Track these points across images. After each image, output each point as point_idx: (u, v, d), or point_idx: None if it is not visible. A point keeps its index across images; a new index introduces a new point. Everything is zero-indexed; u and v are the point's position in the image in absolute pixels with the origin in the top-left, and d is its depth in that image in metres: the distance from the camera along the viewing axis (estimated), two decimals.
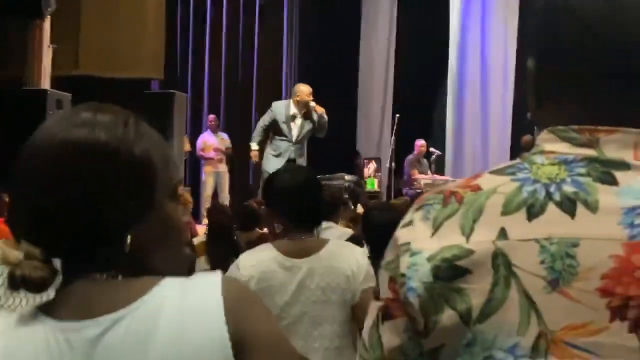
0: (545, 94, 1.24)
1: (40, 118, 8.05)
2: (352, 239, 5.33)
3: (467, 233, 1.14)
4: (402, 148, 13.32)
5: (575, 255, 1.09)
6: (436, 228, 1.17)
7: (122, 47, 11.09)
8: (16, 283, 1.30)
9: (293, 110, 10.36)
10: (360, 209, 9.29)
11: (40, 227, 1.33)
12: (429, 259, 1.15)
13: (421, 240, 1.17)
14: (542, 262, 1.10)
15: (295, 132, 10.35)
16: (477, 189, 1.18)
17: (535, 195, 1.14)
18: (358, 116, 15.28)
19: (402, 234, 1.21)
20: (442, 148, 14.53)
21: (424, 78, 15.00)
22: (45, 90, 8.48)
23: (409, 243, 1.18)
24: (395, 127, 13.08)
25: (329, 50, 14.91)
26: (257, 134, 10.59)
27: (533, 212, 1.13)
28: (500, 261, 1.11)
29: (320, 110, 10.41)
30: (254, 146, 10.55)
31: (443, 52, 14.97)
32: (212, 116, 13.60)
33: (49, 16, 8.88)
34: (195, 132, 13.89)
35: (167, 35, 12.22)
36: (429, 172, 13.72)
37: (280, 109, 10.41)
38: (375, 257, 4.46)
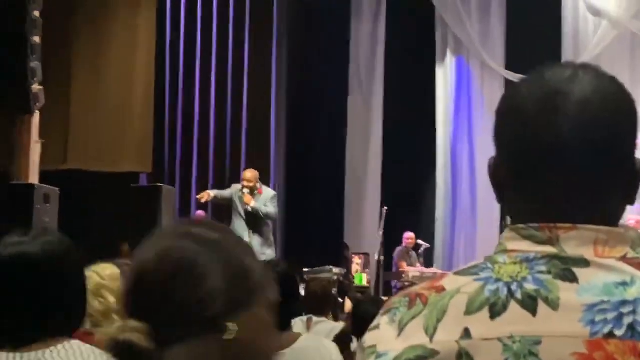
0: (505, 190, 1.26)
1: (27, 212, 8.07)
2: (342, 334, 5.30)
3: (431, 333, 1.15)
4: (391, 241, 13.29)
5: (538, 353, 1.10)
6: (401, 329, 1.18)
7: (110, 142, 11.16)
8: (119, 349, 1.36)
9: (241, 192, 10.67)
10: (348, 302, 9.25)
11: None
12: None
13: (387, 343, 1.18)
14: None
15: (242, 212, 10.57)
16: (442, 289, 1.19)
17: (497, 294, 1.15)
18: (345, 209, 15.27)
19: (368, 338, 1.22)
20: (431, 240, 14.51)
21: (412, 171, 15.05)
22: (32, 185, 8.48)
23: (374, 346, 1.19)
24: (383, 220, 13.08)
25: (315, 143, 14.99)
26: (213, 191, 11.03)
27: (495, 311, 1.14)
28: None
29: (247, 199, 10.55)
30: (213, 193, 10.96)
31: (431, 145, 15.06)
32: (201, 212, 13.58)
33: (37, 112, 8.93)
34: None
35: (155, 128, 12.29)
36: (417, 264, 13.68)
37: (237, 189, 10.73)
38: None
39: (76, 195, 10.43)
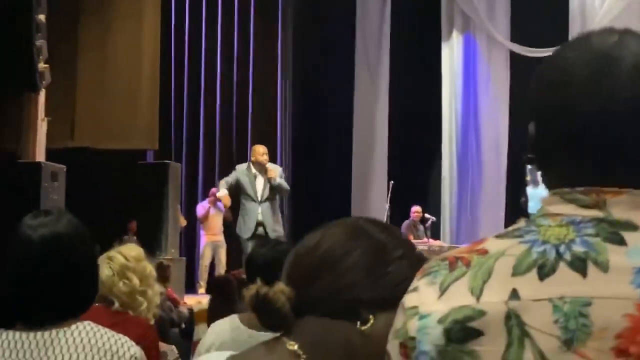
0: (546, 157, 1.25)
1: (35, 190, 8.10)
2: None
3: (477, 294, 1.14)
4: (398, 214, 13.32)
5: (589, 314, 1.10)
6: (443, 291, 1.17)
7: (117, 119, 11.17)
8: (259, 302, 1.46)
9: (253, 170, 10.38)
10: None
11: None
12: (440, 321, 1.14)
13: (429, 304, 1.17)
14: (555, 322, 1.10)
15: (259, 192, 10.34)
16: (484, 252, 1.18)
17: (545, 255, 1.14)
18: (352, 183, 15.28)
19: (408, 300, 1.20)
20: (437, 214, 14.53)
21: (418, 144, 15.07)
22: (39, 163, 8.50)
23: (416, 307, 1.18)
24: (390, 194, 13.10)
25: (322, 120, 14.99)
26: (221, 186, 10.49)
27: (544, 272, 1.13)
28: (513, 321, 1.11)
29: (273, 173, 10.39)
30: (223, 192, 10.41)
31: (438, 119, 15.06)
32: (214, 189, 13.59)
33: (43, 89, 8.93)
34: (190, 202, 13.89)
35: (161, 103, 12.29)
36: (424, 237, 13.71)
37: (242, 169, 10.42)
38: None
39: (83, 173, 10.46)
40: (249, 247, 9.80)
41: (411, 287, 1.22)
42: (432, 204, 14.67)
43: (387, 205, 13.06)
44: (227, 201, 10.51)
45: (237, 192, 10.40)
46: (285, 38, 14.89)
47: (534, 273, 1.13)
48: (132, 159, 11.31)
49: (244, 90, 14.59)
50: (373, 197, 14.98)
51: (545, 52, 13.97)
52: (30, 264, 2.20)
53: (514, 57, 14.68)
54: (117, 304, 3.46)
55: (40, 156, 9.06)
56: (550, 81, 1.24)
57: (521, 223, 1.22)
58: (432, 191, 15.19)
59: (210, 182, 13.96)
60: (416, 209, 13.76)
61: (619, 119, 1.17)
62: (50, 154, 9.36)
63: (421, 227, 13.82)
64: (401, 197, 13.25)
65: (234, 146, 14.55)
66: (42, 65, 8.56)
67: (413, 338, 1.16)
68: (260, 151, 10.48)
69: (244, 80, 14.61)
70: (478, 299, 1.13)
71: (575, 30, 14.27)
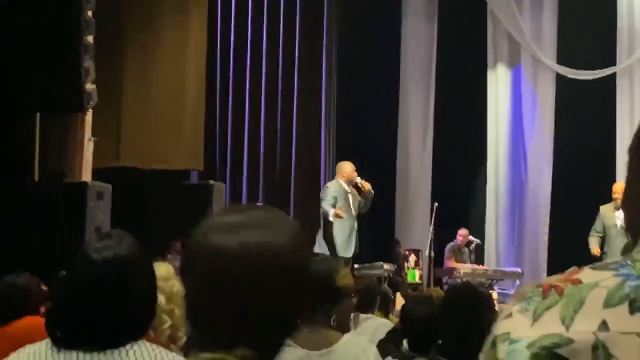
0: None
1: (81, 210, 8.18)
2: (393, 332, 5.27)
3: (568, 323, 1.15)
4: (441, 237, 13.27)
5: None
6: (536, 319, 1.18)
7: (162, 139, 11.24)
8: None
9: (345, 186, 10.39)
10: (399, 299, 9.23)
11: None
12: (529, 346, 1.15)
13: (520, 330, 1.18)
14: None
15: (353, 208, 10.37)
16: (578, 282, 1.19)
17: (638, 290, 1.14)
18: (396, 205, 15.24)
19: (501, 326, 1.21)
20: (481, 236, 14.45)
21: (461, 166, 15.02)
22: (85, 183, 8.59)
23: (508, 333, 1.19)
24: (434, 216, 13.05)
25: (366, 138, 14.98)
26: (329, 209, 10.40)
27: (636, 306, 1.13)
28: (600, 352, 1.12)
29: (368, 186, 10.43)
30: (331, 209, 10.36)
31: (481, 140, 15.00)
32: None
33: (90, 110, 9.04)
34: None
35: (206, 124, 12.36)
36: (468, 261, 13.63)
37: (336, 186, 10.42)
38: (414, 351, 4.41)
39: (128, 193, 10.55)
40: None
41: (505, 314, 1.23)
42: (476, 228, 14.59)
43: (431, 228, 13.02)
44: (342, 213, 10.38)
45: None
46: (330, 68, 14.91)
47: (625, 306, 1.13)
48: (177, 179, 11.38)
49: (287, 112, 14.63)
50: (417, 219, 14.93)
51: (592, 75, 13.94)
52: (92, 286, 2.23)
53: (560, 80, 14.60)
54: None
55: (87, 176, 9.15)
56: None
57: (618, 257, 1.22)
58: (476, 214, 15.10)
59: (254, 199, 14.01)
60: (463, 232, 13.69)
61: None
62: (97, 174, 9.44)
63: (466, 251, 13.75)
64: (445, 220, 13.20)
65: (277, 166, 14.59)
66: (89, 86, 8.66)
67: None
68: (350, 168, 10.62)
69: (288, 101, 14.65)
70: (568, 328, 1.14)
71: (623, 51, 14.18)
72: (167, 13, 11.55)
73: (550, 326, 1.15)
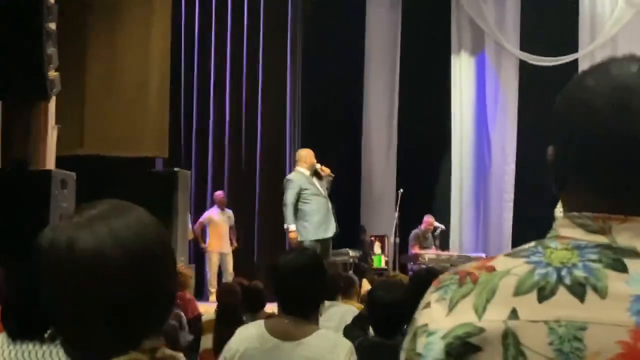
0: (562, 180, 1.28)
1: (45, 198, 8.13)
2: (359, 318, 5.29)
3: (480, 312, 1.17)
4: (407, 223, 13.32)
5: (583, 338, 1.12)
6: (451, 308, 1.20)
7: (127, 127, 11.18)
8: None
9: (306, 173, 10.36)
10: (366, 284, 9.27)
11: None
12: (443, 337, 1.18)
13: (437, 321, 1.20)
14: (550, 344, 1.13)
15: (322, 189, 10.34)
16: (492, 269, 1.21)
17: (546, 278, 1.17)
18: (361, 192, 15.29)
19: (420, 317, 1.24)
20: (446, 222, 14.53)
21: (426, 152, 15.09)
22: (49, 171, 8.52)
23: (426, 325, 1.21)
24: (399, 202, 13.10)
25: (331, 126, 14.99)
26: (291, 214, 10.16)
27: (544, 294, 1.16)
28: (510, 340, 1.14)
29: (327, 170, 10.46)
30: (292, 227, 10.16)
31: (445, 126, 15.07)
32: (220, 192, 13.62)
33: (53, 97, 8.97)
34: (199, 209, 13.90)
35: (170, 112, 12.31)
36: (433, 247, 13.71)
37: (297, 176, 10.36)
38: (380, 336, 4.43)
39: (92, 180, 10.49)
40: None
41: (424, 302, 1.26)
42: (441, 214, 14.66)
43: (396, 214, 13.08)
44: (296, 237, 10.15)
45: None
46: (294, 55, 14.90)
47: (534, 294, 1.16)
48: (141, 167, 11.33)
49: (252, 98, 14.61)
50: (382, 206, 14.98)
51: (555, 62, 14.04)
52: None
53: (523, 67, 14.69)
54: None
55: (50, 164, 9.09)
56: (570, 107, 1.26)
57: (531, 243, 1.25)
58: (441, 200, 15.18)
59: (219, 189, 13.99)
60: (428, 219, 13.75)
61: (630, 150, 1.19)
62: (60, 162, 9.38)
63: (430, 236, 13.82)
64: (410, 206, 13.25)
65: (243, 154, 14.57)
66: (52, 74, 8.59)
67: (419, 354, 1.20)
68: (310, 154, 10.56)
69: (253, 89, 14.63)
70: (480, 317, 1.17)
71: (584, 38, 14.29)
72: (131, 0, 11.48)
73: (464, 315, 1.17)
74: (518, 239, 14.09)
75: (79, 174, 8.90)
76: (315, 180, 10.35)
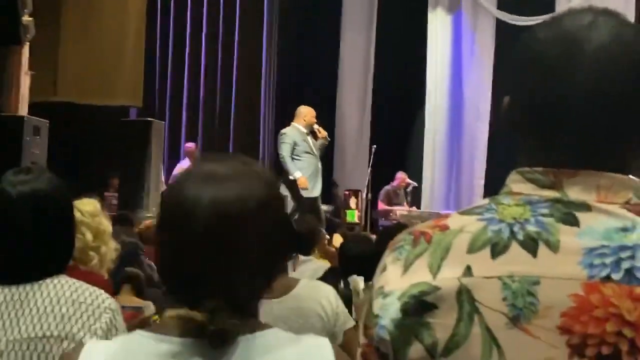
0: (514, 133, 1.27)
1: (17, 144, 8.07)
2: (331, 271, 5.32)
3: (435, 271, 1.18)
4: (380, 179, 13.35)
5: (536, 293, 1.13)
6: (406, 268, 1.21)
7: (101, 75, 11.09)
8: (217, 339, 1.39)
9: (303, 130, 10.45)
10: (338, 238, 9.29)
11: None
12: (399, 297, 1.18)
13: (393, 282, 1.21)
14: (504, 299, 1.14)
15: (314, 148, 10.45)
16: (445, 228, 1.22)
17: (499, 234, 1.17)
18: (335, 147, 15.29)
19: (377, 280, 1.25)
20: (418, 179, 14.58)
21: (400, 109, 15.10)
22: (22, 117, 8.46)
23: (382, 287, 1.22)
24: (371, 159, 13.12)
25: (307, 80, 14.94)
26: (291, 164, 10.31)
27: (497, 250, 1.16)
28: (464, 297, 1.15)
29: (324, 133, 10.65)
30: (298, 174, 10.29)
31: (420, 84, 15.06)
32: (191, 144, 13.57)
33: (27, 43, 8.87)
34: (173, 159, 13.87)
35: (146, 62, 12.23)
36: (405, 203, 13.76)
37: (293, 131, 10.44)
38: (351, 290, 4.47)
39: (66, 128, 10.43)
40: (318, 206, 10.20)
41: (381, 266, 1.26)
42: (414, 170, 14.70)
43: (369, 170, 13.10)
44: (306, 184, 10.35)
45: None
46: (271, 7, 14.82)
47: (487, 251, 1.16)
48: (115, 116, 11.27)
49: (228, 50, 14.53)
50: (356, 162, 15.00)
51: (532, 21, 14.02)
52: (8, 221, 2.22)
53: (500, 26, 14.67)
54: None
55: (23, 110, 9.02)
56: (521, 59, 1.25)
57: (485, 200, 1.25)
58: (414, 157, 15.21)
59: (192, 141, 13.95)
60: (400, 175, 13.80)
61: (579, 103, 1.19)
62: (33, 108, 9.31)
63: (401, 193, 13.87)
64: (383, 162, 13.27)
65: (217, 105, 14.53)
66: (26, 18, 8.49)
67: (376, 315, 1.21)
68: (312, 113, 10.72)
69: (228, 39, 14.55)
70: (435, 275, 1.17)
71: None
72: None
73: (419, 275, 1.18)
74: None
75: (52, 121, 8.84)
76: (309, 138, 10.45)
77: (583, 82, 1.18)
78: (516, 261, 1.15)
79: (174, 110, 14.45)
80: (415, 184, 14.20)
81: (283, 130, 10.61)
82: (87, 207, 3.53)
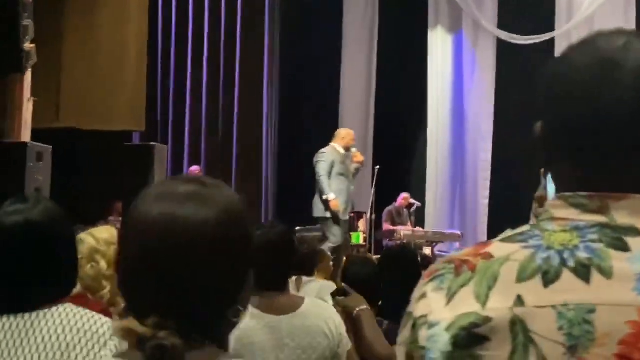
0: (552, 158, 1.26)
1: (21, 171, 8.08)
2: (339, 292, 5.31)
3: (483, 300, 1.15)
4: (383, 200, 13.34)
5: (593, 321, 1.11)
6: (450, 297, 1.18)
7: (103, 99, 11.11)
8: (155, 354, 1.35)
9: (341, 151, 10.48)
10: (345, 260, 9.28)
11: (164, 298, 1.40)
12: (447, 329, 1.16)
13: (437, 312, 1.18)
14: (560, 329, 1.12)
15: (350, 170, 10.49)
16: (489, 257, 1.19)
17: (549, 262, 1.15)
18: None
19: (417, 308, 1.22)
20: (422, 199, 14.57)
21: (403, 129, 15.10)
22: (25, 143, 8.47)
23: (425, 316, 1.19)
24: (375, 179, 13.12)
25: (308, 102, 14.97)
26: (326, 184, 10.34)
27: (548, 278, 1.14)
28: (518, 328, 1.12)
29: (360, 158, 10.76)
30: (332, 196, 10.32)
31: (422, 104, 15.07)
32: (195, 167, 13.58)
33: (29, 69, 8.90)
34: None
35: (148, 84, 12.25)
36: (408, 223, 13.75)
37: (332, 151, 10.48)
38: None
39: (69, 154, 10.44)
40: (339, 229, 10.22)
41: (419, 293, 1.23)
42: (417, 191, 14.70)
43: (372, 190, 13.09)
44: (337, 206, 10.37)
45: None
46: (273, 22, 14.86)
47: (538, 279, 1.14)
48: (118, 140, 11.27)
49: (230, 74, 14.56)
50: (358, 182, 14.98)
51: (532, 40, 14.07)
52: (2, 250, 2.23)
53: (501, 45, 14.70)
54: (79, 287, 3.40)
55: (26, 136, 9.03)
56: (555, 83, 1.24)
57: (526, 227, 1.23)
58: (417, 178, 15.21)
59: (196, 161, 13.97)
60: (405, 196, 13.81)
61: (621, 125, 1.17)
62: (36, 134, 9.32)
63: (405, 213, 13.85)
64: (386, 183, 13.27)
65: (219, 128, 14.54)
66: (28, 45, 8.52)
67: (423, 347, 1.18)
68: (351, 135, 10.80)
69: (230, 64, 14.58)
70: (484, 305, 1.15)
71: (561, 18, 14.33)
72: None
73: (466, 305, 1.15)
74: (494, 218, 14.17)
75: (55, 147, 8.85)
76: (347, 160, 10.52)
77: (622, 103, 1.17)
78: (570, 289, 1.13)
79: (177, 133, 14.46)
80: (419, 204, 14.19)
81: (322, 150, 10.66)
82: (103, 234, 3.52)
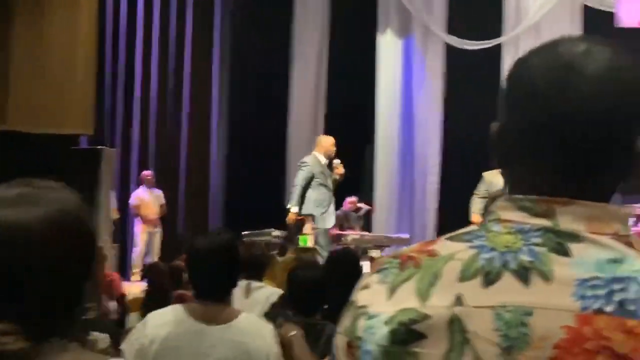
0: (504, 160, 1.27)
1: None
2: (283, 299, 5.30)
3: (424, 297, 1.15)
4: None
5: (529, 324, 1.11)
6: (392, 291, 1.18)
7: (50, 103, 10.99)
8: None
9: (322, 160, 10.44)
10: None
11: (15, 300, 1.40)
12: (386, 322, 1.16)
13: (378, 304, 1.18)
14: (496, 330, 1.12)
15: (331, 181, 10.46)
16: (434, 254, 1.20)
17: (491, 263, 1.16)
18: (287, 172, 15.29)
19: (359, 298, 1.22)
20: (371, 204, 14.60)
21: (352, 135, 15.13)
22: None
23: (366, 306, 1.19)
24: None
25: (257, 109, 14.96)
26: (297, 195, 10.40)
27: (489, 279, 1.15)
28: (456, 327, 1.13)
29: (341, 171, 10.64)
30: (294, 209, 10.35)
31: (371, 109, 15.12)
32: (148, 172, 13.52)
33: None
34: (123, 187, 13.78)
35: (96, 88, 12.16)
36: (357, 227, 13.77)
37: (314, 161, 10.45)
38: (300, 317, 4.46)
39: (15, 157, 10.31)
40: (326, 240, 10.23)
41: (362, 284, 1.23)
42: (366, 195, 14.74)
43: None
44: (294, 221, 10.49)
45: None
46: (223, 24, 14.84)
47: (479, 280, 1.15)
48: (65, 144, 11.18)
49: (178, 77, 14.52)
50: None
51: (480, 45, 14.19)
52: None
53: (450, 50, 14.79)
54: None
55: None
56: (514, 85, 1.24)
57: (473, 226, 1.23)
58: (366, 182, 15.25)
59: (144, 168, 13.89)
60: (351, 199, 13.83)
61: (574, 131, 1.18)
62: None
63: (353, 216, 13.87)
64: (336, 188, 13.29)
65: (168, 131, 14.48)
66: None
67: (359, 337, 1.18)
68: (331, 142, 10.70)
69: (178, 68, 14.54)
70: (424, 302, 1.15)
71: (509, 24, 14.47)
72: None
73: (407, 300, 1.16)
74: (443, 221, 14.26)
75: (1, 150, 8.75)
76: (327, 170, 10.50)
77: (576, 109, 1.18)
78: (509, 291, 1.14)
79: (125, 137, 14.37)
80: (368, 207, 14.24)
81: (305, 159, 10.68)
82: None
